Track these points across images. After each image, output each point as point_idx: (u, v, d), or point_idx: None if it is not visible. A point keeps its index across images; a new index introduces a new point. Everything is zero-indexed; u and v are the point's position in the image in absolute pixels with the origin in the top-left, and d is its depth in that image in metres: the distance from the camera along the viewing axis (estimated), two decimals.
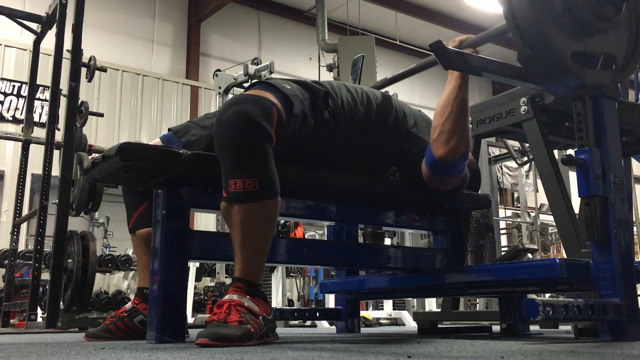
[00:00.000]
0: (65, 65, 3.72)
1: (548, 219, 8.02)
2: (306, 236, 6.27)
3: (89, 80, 4.24)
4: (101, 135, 9.29)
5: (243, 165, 1.50)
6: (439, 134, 1.79)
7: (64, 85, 3.72)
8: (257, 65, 5.38)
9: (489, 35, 1.72)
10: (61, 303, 3.40)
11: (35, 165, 5.11)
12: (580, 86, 1.40)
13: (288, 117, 1.68)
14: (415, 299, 5.65)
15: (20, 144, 4.85)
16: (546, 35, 1.31)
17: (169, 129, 1.96)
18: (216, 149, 1.55)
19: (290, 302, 6.95)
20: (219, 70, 5.69)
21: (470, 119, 1.87)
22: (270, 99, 1.64)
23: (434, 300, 5.59)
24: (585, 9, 1.36)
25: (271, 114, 1.58)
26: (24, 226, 6.27)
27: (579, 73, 1.35)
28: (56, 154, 3.76)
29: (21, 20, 4.48)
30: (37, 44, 4.66)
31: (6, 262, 4.82)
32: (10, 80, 9.36)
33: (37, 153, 5.20)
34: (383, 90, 2.21)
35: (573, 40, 1.37)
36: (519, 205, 9.60)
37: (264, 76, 5.18)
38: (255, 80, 1.82)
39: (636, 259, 1.64)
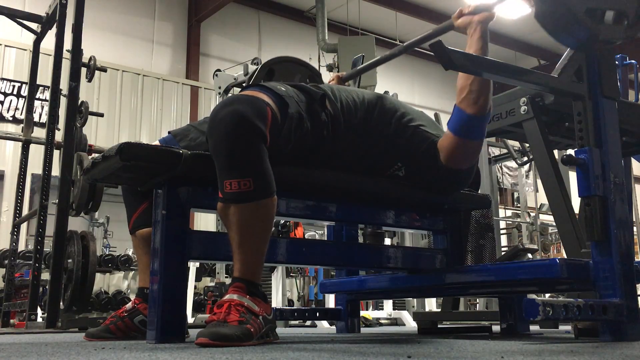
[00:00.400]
0: (65, 65, 3.71)
1: (548, 219, 8.03)
2: (306, 236, 6.27)
3: (89, 80, 4.24)
4: (101, 135, 9.29)
5: (238, 166, 1.50)
6: (468, 93, 1.83)
7: (64, 85, 3.72)
8: (257, 65, 5.37)
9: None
10: (61, 303, 3.40)
11: (35, 165, 5.11)
12: (594, 39, 1.44)
13: (283, 118, 1.68)
14: (415, 299, 5.65)
15: (20, 144, 4.85)
16: None
17: (169, 132, 1.96)
18: (210, 149, 1.54)
19: (290, 302, 6.95)
20: (219, 70, 5.69)
21: None
22: (264, 99, 1.64)
23: (434, 300, 5.59)
24: None
25: (265, 114, 1.58)
26: (24, 226, 6.28)
27: (593, 27, 1.40)
28: (56, 154, 3.76)
29: (21, 20, 4.48)
30: (37, 44, 4.66)
31: (6, 262, 4.81)
32: (10, 80, 9.36)
33: (37, 153, 5.20)
34: (382, 91, 2.21)
35: None
36: (519, 205, 9.60)
37: None
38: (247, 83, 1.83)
39: (636, 259, 1.64)
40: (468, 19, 1.89)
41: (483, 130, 1.92)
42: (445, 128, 1.97)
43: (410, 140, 1.96)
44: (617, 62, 2.59)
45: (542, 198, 5.52)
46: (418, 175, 2.00)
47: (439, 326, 2.95)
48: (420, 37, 2.05)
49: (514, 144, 5.68)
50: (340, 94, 1.90)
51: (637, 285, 1.65)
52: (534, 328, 2.86)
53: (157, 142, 1.94)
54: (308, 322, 4.98)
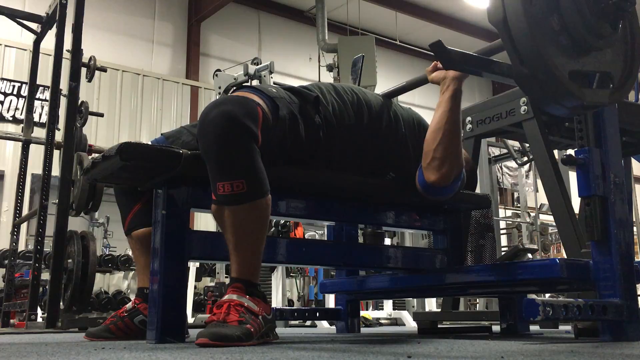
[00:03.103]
0: (65, 65, 3.71)
1: (548, 219, 8.02)
2: (306, 236, 6.26)
3: (89, 80, 4.24)
4: (101, 135, 9.29)
5: (230, 167, 1.48)
6: (431, 160, 1.80)
7: (64, 85, 3.72)
8: (257, 65, 5.37)
9: (482, 53, 1.69)
10: (61, 303, 3.40)
11: (35, 165, 5.10)
12: (579, 106, 1.37)
13: (274, 118, 1.67)
14: (415, 299, 5.65)
15: (20, 144, 4.85)
16: (544, 54, 1.26)
17: (162, 134, 1.96)
18: (201, 151, 1.53)
19: (290, 302, 6.95)
20: (219, 70, 5.68)
21: (462, 138, 1.87)
22: (255, 99, 1.63)
23: (434, 300, 5.59)
24: (582, 27, 1.33)
25: (255, 114, 1.56)
26: (24, 226, 6.28)
27: (578, 93, 1.31)
28: (56, 154, 3.76)
29: (21, 20, 4.48)
30: (37, 44, 4.66)
31: (6, 262, 4.81)
32: (10, 80, 9.35)
33: (37, 153, 5.19)
34: (382, 91, 2.20)
35: (570, 59, 1.34)
36: (519, 205, 9.60)
37: (264, 76, 5.18)
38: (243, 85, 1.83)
39: (636, 259, 1.64)
40: (442, 73, 1.80)
41: (450, 190, 1.89)
42: None
43: (399, 148, 1.96)
44: None
45: (542, 198, 5.52)
46: (411, 183, 2.00)
47: (439, 326, 2.95)
48: (396, 88, 2.03)
49: (514, 144, 5.68)
50: (331, 96, 1.89)
51: (637, 285, 1.65)
52: (534, 328, 2.86)
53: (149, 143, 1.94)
54: (308, 322, 4.98)
